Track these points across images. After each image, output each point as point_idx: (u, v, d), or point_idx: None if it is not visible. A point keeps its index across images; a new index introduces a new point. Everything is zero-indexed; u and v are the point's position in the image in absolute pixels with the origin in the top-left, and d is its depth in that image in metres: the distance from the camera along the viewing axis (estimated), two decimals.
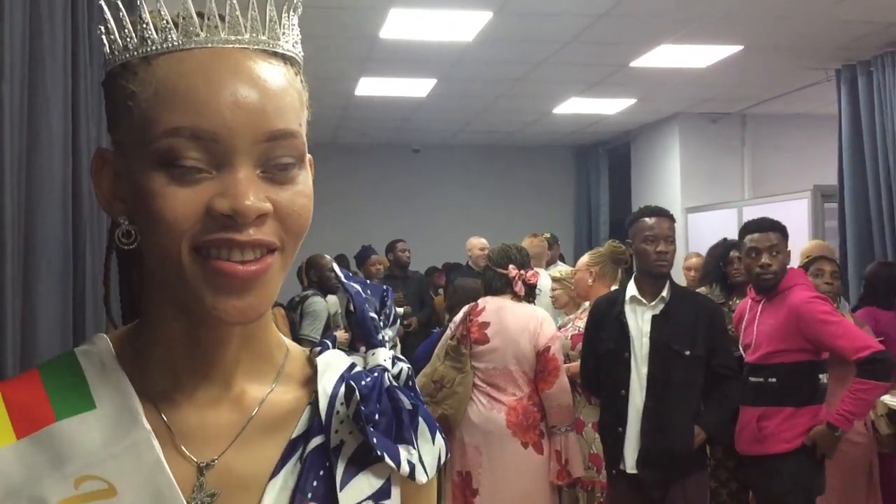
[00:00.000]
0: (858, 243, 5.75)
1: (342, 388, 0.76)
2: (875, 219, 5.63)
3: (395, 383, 0.79)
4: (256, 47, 0.70)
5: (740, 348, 3.56)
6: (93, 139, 1.62)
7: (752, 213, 5.87)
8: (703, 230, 7.51)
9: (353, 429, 0.76)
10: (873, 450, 3.89)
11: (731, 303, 4.11)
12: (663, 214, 3.30)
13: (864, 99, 5.75)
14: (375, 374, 0.77)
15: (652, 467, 3.16)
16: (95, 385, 0.72)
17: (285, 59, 0.72)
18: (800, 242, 5.90)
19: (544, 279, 4.97)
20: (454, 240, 7.88)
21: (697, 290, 4.39)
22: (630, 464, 3.20)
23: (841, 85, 6.03)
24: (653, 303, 3.25)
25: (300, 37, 0.76)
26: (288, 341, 0.81)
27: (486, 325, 3.51)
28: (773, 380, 3.34)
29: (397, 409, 0.77)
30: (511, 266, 3.58)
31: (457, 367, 3.50)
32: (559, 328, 4.02)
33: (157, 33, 0.69)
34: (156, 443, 0.70)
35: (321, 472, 0.74)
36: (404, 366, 0.81)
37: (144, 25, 0.69)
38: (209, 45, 0.68)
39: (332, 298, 5.41)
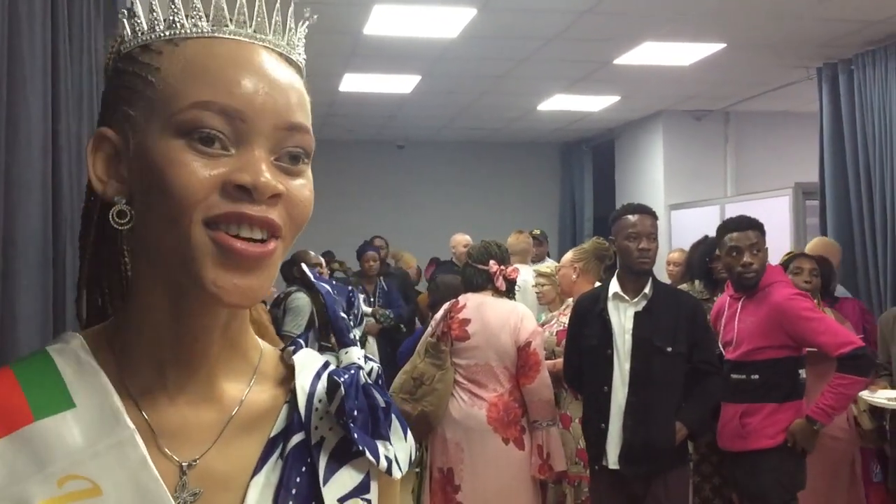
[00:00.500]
0: (839, 240, 5.78)
1: (322, 384, 0.78)
2: (856, 216, 5.68)
3: (369, 381, 0.80)
4: (277, 49, 0.74)
5: (720, 345, 3.58)
6: (73, 135, 1.62)
7: (735, 210, 5.90)
8: (686, 227, 7.55)
9: (332, 425, 0.77)
10: (855, 445, 3.93)
11: (715, 298, 4.14)
12: (646, 212, 3.31)
13: (846, 97, 5.80)
14: (352, 372, 0.79)
15: (634, 463, 3.18)
16: (73, 383, 0.72)
17: (296, 66, 0.77)
18: (781, 239, 5.95)
19: (527, 275, 4.99)
20: (439, 236, 7.89)
21: (679, 287, 4.42)
22: (612, 459, 3.22)
23: (822, 83, 6.07)
24: (635, 299, 3.26)
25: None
26: (261, 340, 0.82)
27: (466, 321, 3.52)
28: (756, 376, 3.37)
29: (373, 406, 0.79)
30: (492, 262, 3.59)
31: (437, 364, 3.51)
32: (542, 325, 4.04)
33: (187, 20, 0.72)
34: (140, 441, 0.70)
35: (303, 469, 0.75)
36: (374, 365, 0.83)
37: (175, 10, 0.73)
38: (237, 36, 0.72)
39: None
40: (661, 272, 5.50)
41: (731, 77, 6.84)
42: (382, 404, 0.79)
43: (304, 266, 0.92)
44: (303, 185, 0.73)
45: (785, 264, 3.99)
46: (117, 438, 0.70)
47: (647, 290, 3.26)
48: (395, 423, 0.81)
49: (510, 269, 3.63)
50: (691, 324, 3.25)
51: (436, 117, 8.59)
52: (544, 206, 10.25)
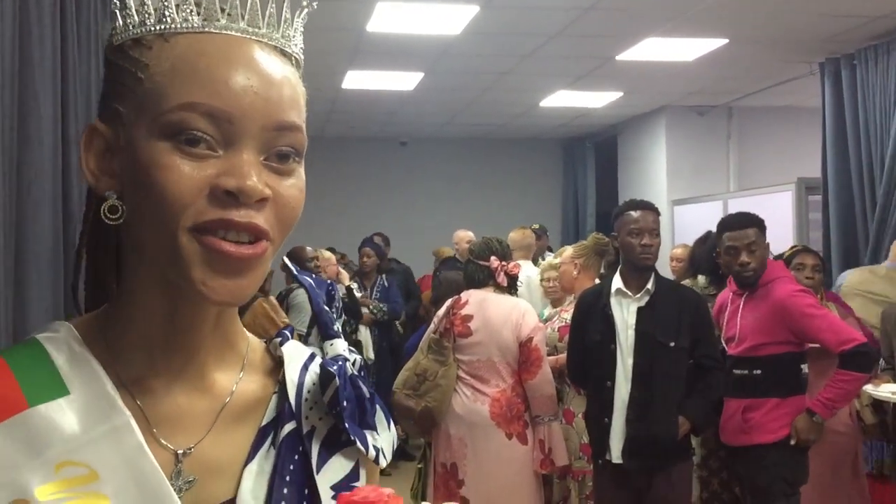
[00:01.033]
0: (842, 235, 5.80)
1: (311, 376, 0.80)
2: (858, 211, 5.69)
3: (355, 372, 0.82)
4: (271, 42, 0.73)
5: (722, 341, 3.60)
6: (82, 135, 1.63)
7: (738, 205, 5.92)
8: (688, 223, 7.55)
9: (322, 415, 0.79)
10: (858, 440, 3.94)
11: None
12: (648, 208, 3.33)
13: (848, 92, 5.80)
14: (340, 363, 0.80)
15: (637, 457, 3.20)
16: (66, 371, 0.71)
17: (292, 59, 0.75)
18: (784, 235, 5.96)
19: (529, 271, 5.01)
20: (441, 232, 7.90)
21: (682, 283, 4.44)
22: (616, 454, 3.24)
23: (825, 78, 6.08)
24: (638, 295, 3.28)
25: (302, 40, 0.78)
26: (249, 333, 0.83)
27: (469, 317, 3.53)
28: (758, 372, 3.38)
29: (360, 396, 0.80)
30: (493, 258, 3.61)
31: (439, 360, 3.53)
32: (545, 321, 4.05)
33: (177, 13, 0.71)
34: (136, 427, 0.70)
35: (296, 457, 0.77)
36: (357, 357, 0.84)
37: (166, 3, 0.71)
38: (228, 31, 0.71)
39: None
40: (664, 268, 5.51)
41: (734, 72, 6.84)
42: (367, 395, 0.81)
43: (286, 260, 0.93)
44: (292, 185, 0.72)
45: (787, 260, 4.00)
46: (113, 424, 0.70)
47: (649, 285, 3.27)
48: (380, 413, 0.83)
49: (511, 264, 3.65)
50: (694, 319, 3.26)
51: (438, 114, 8.60)
52: (547, 203, 10.26)
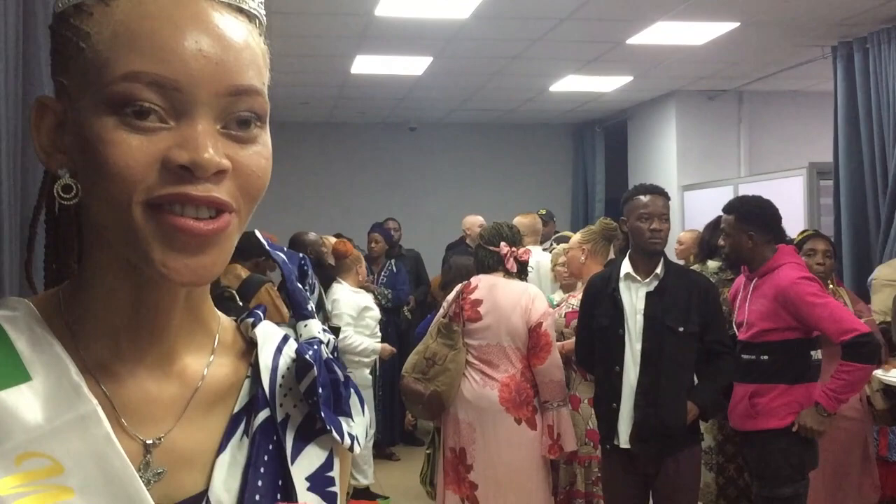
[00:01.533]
0: (853, 220, 5.77)
1: (285, 360, 0.76)
2: (870, 196, 5.65)
3: (330, 355, 0.78)
4: (223, 0, 0.67)
5: (733, 326, 3.59)
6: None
7: (748, 190, 5.88)
8: (698, 208, 7.52)
9: (297, 402, 0.75)
10: (868, 425, 3.93)
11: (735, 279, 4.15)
12: (658, 192, 3.31)
13: (860, 76, 5.74)
14: (316, 347, 0.76)
15: (645, 442, 3.20)
16: (27, 354, 0.66)
17: (250, 16, 0.70)
18: (796, 219, 5.93)
19: (537, 256, 4.99)
20: (451, 218, 7.90)
21: (691, 268, 4.42)
22: (624, 439, 3.24)
23: (837, 62, 6.02)
24: (647, 280, 3.27)
25: None
26: (219, 312, 0.78)
27: (478, 302, 3.53)
28: (765, 357, 3.37)
29: (335, 381, 0.76)
30: (503, 243, 3.60)
31: (448, 344, 3.53)
32: (554, 307, 4.05)
33: None
34: (103, 416, 0.65)
35: (270, 447, 0.73)
36: (331, 337, 0.81)
37: None
38: None
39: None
40: (672, 253, 5.50)
41: (745, 56, 6.79)
42: (342, 378, 0.77)
43: (258, 233, 0.87)
44: (256, 154, 0.67)
45: (799, 245, 3.98)
46: (78, 413, 0.65)
47: (658, 270, 3.26)
48: (354, 398, 0.79)
49: (521, 250, 3.64)
50: (703, 304, 3.25)
51: (448, 99, 8.57)
52: (556, 188, 10.24)
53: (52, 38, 0.69)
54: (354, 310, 4.99)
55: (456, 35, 6.01)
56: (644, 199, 3.26)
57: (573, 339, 3.66)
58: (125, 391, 0.69)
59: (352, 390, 0.79)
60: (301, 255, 0.84)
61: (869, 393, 3.91)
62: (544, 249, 5.53)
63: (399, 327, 6.55)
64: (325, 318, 5.14)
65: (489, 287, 3.56)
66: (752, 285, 3.48)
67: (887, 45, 5.51)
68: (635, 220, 3.25)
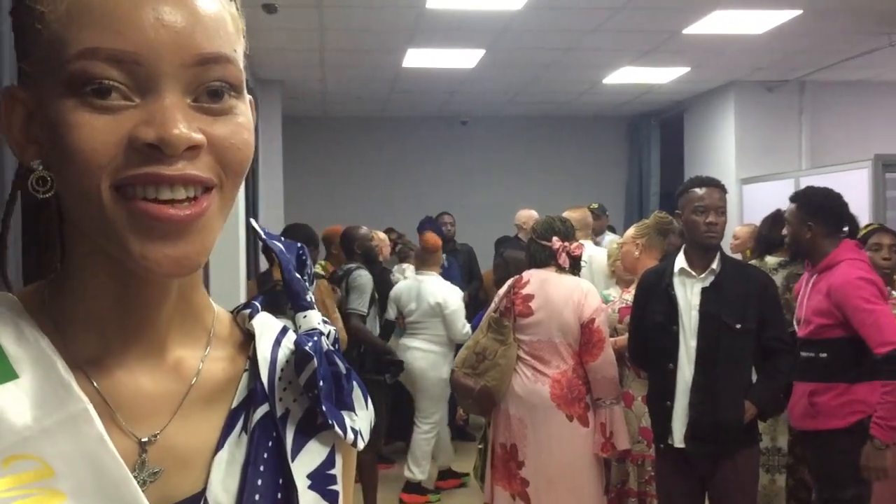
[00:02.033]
0: None
1: (284, 353, 0.73)
2: None
3: (330, 346, 0.74)
4: None
5: (794, 322, 3.49)
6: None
7: (810, 182, 5.70)
8: (758, 202, 7.33)
9: (296, 396, 0.72)
10: None
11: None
12: (714, 184, 3.22)
13: None
14: (315, 339, 0.72)
15: (700, 442, 3.12)
16: (13, 351, 0.63)
17: None
18: (860, 213, 5.73)
19: (590, 250, 4.91)
20: (503, 212, 7.85)
21: (749, 262, 4.31)
22: (678, 438, 3.17)
23: None
24: (702, 275, 3.18)
25: None
26: (213, 302, 0.75)
27: (530, 297, 3.49)
28: (824, 355, 3.27)
29: (336, 374, 0.73)
30: (555, 238, 3.55)
31: (499, 339, 3.50)
32: (608, 303, 3.98)
33: None
34: (95, 415, 0.62)
35: (270, 443, 0.70)
36: (332, 328, 0.76)
37: None
38: None
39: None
40: (728, 248, 5.37)
41: (807, 45, 6.59)
42: (344, 371, 0.73)
43: (252, 222, 0.83)
44: (235, 125, 0.63)
45: (863, 239, 3.84)
46: (68, 412, 0.62)
47: (714, 265, 3.17)
48: (357, 391, 0.76)
49: (574, 245, 3.58)
50: (761, 300, 3.16)
51: (499, 92, 8.51)
52: (610, 181, 10.10)
53: (12, 25, 0.66)
54: (462, 298, 5.14)
55: (508, 27, 5.96)
56: (699, 191, 3.17)
57: (626, 336, 3.59)
58: (118, 386, 0.66)
59: (354, 383, 0.76)
60: (300, 245, 0.80)
61: None
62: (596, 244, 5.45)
63: None
64: (380, 312, 5.16)
65: (541, 282, 3.51)
66: (811, 280, 3.38)
67: None
68: (690, 214, 3.17)
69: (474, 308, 6.28)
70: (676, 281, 3.23)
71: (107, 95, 0.59)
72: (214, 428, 0.69)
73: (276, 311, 0.78)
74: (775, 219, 4.50)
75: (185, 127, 0.59)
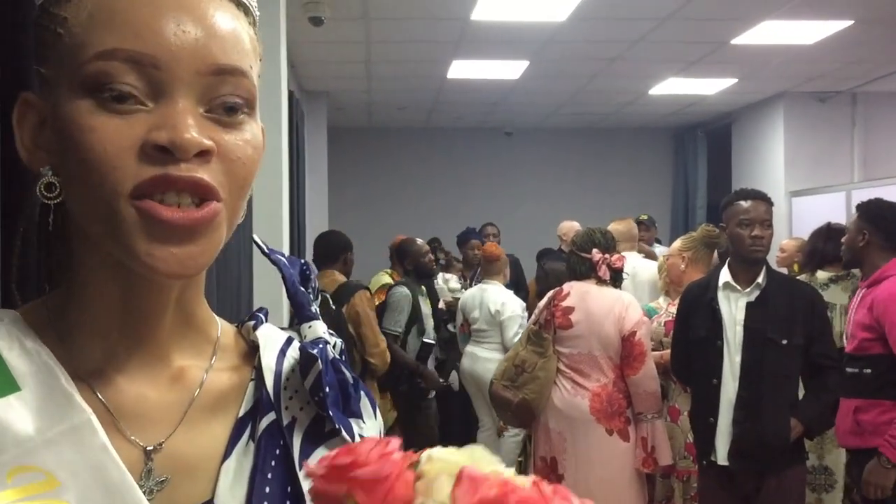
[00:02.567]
0: None
1: (289, 361, 0.73)
2: None
3: (336, 356, 0.75)
4: None
5: (843, 338, 3.41)
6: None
7: (863, 196, 5.56)
8: (808, 215, 7.19)
9: (303, 404, 0.72)
10: None
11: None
12: (760, 197, 3.16)
13: None
14: (321, 346, 0.73)
15: (744, 459, 3.06)
16: (15, 364, 0.64)
17: (238, 4, 0.67)
18: None
19: (634, 262, 4.86)
20: (547, 223, 7.81)
21: (797, 278, 4.22)
22: (721, 455, 3.11)
23: None
24: (747, 289, 3.12)
25: None
26: (217, 316, 0.76)
27: (570, 309, 3.46)
28: (868, 371, 3.19)
29: (343, 381, 0.73)
30: (595, 250, 3.52)
31: (538, 351, 3.47)
32: (651, 315, 3.93)
33: None
34: (98, 425, 0.63)
35: (277, 451, 0.70)
36: (338, 340, 0.77)
37: None
38: None
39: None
40: (775, 261, 5.26)
41: (859, 55, 6.45)
42: (351, 380, 0.74)
43: (255, 237, 0.83)
44: (243, 141, 0.64)
45: None
46: (72, 423, 0.62)
47: (760, 279, 3.11)
48: (365, 400, 0.76)
49: (615, 257, 3.54)
50: (809, 316, 3.09)
51: (544, 104, 8.49)
52: (656, 193, 10.00)
53: (35, 33, 0.67)
54: (521, 308, 5.08)
55: (552, 38, 5.94)
56: (745, 204, 3.12)
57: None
58: (121, 396, 0.66)
59: (362, 392, 0.76)
60: (303, 261, 0.81)
61: None
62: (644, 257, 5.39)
63: None
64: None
65: (581, 294, 3.48)
66: (860, 295, 3.31)
67: None
68: (735, 227, 3.12)
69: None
70: (721, 295, 3.17)
71: (124, 101, 0.60)
72: (220, 437, 0.69)
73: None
74: (829, 232, 4.40)
75: (196, 132, 0.60)
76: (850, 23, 5.58)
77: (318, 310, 0.78)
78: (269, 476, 0.69)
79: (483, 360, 5.00)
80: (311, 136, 7.36)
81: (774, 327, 3.05)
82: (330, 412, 0.71)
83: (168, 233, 0.61)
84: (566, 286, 3.57)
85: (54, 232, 0.71)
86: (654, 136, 10.14)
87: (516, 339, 4.86)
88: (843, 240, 3.56)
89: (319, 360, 0.71)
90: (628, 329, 3.38)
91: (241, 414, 0.71)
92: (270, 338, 0.75)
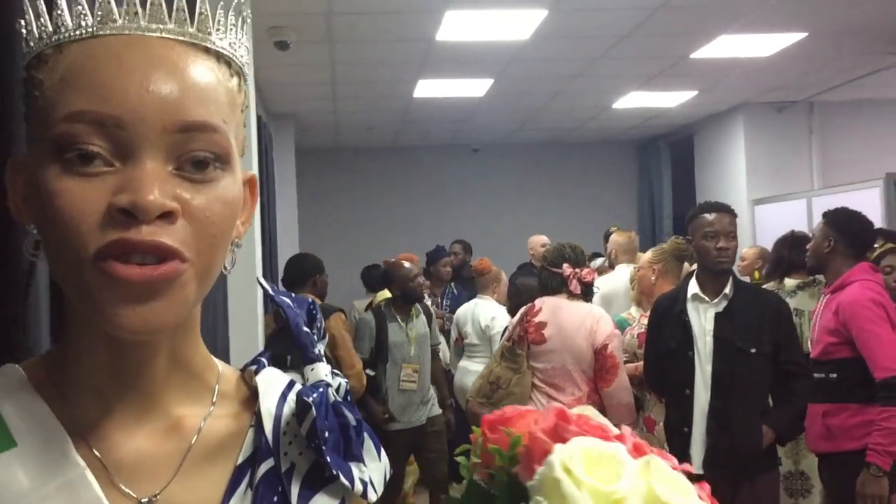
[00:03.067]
0: None
1: (290, 406, 0.72)
2: None
3: (338, 398, 0.74)
4: (182, 38, 0.64)
5: (809, 343, 3.49)
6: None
7: (823, 203, 5.71)
8: (770, 222, 7.33)
9: (302, 449, 0.72)
10: None
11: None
12: (724, 210, 3.24)
13: None
14: (321, 390, 0.72)
15: (719, 467, 3.11)
16: (13, 420, 0.65)
17: (219, 57, 0.66)
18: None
19: (625, 274, 4.85)
20: (516, 238, 7.87)
21: (764, 286, 4.31)
22: (697, 464, 3.16)
23: None
24: (715, 300, 3.19)
25: (246, 42, 0.70)
26: (218, 361, 0.76)
27: (542, 325, 3.50)
28: (834, 375, 3.27)
29: (344, 425, 0.72)
30: (565, 265, 3.57)
31: (513, 367, 3.51)
32: (622, 327, 3.98)
33: (70, 20, 0.64)
34: (92, 479, 0.64)
35: (275, 499, 0.69)
36: (342, 380, 0.76)
37: (59, 13, 0.64)
38: (126, 31, 0.63)
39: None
40: (736, 270, 5.35)
41: (815, 66, 6.62)
42: (353, 422, 0.73)
43: (260, 279, 0.84)
44: (213, 199, 0.63)
45: (876, 260, 3.83)
46: (66, 478, 0.63)
47: (727, 290, 3.18)
48: (368, 442, 0.76)
49: (585, 271, 3.60)
50: (775, 324, 3.16)
51: (509, 120, 8.58)
52: (622, 205, 10.12)
53: (24, 95, 0.68)
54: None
55: (516, 56, 6.02)
56: (709, 217, 3.19)
57: None
58: (116, 449, 0.67)
59: (366, 434, 0.76)
60: (311, 299, 0.81)
61: None
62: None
63: None
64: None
65: (553, 309, 3.53)
66: (824, 300, 3.39)
67: None
68: (701, 239, 3.19)
69: None
70: (690, 307, 3.24)
71: (90, 161, 0.60)
72: (218, 485, 0.69)
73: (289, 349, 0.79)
74: (793, 240, 4.50)
75: (159, 193, 0.59)
76: (804, 35, 5.72)
77: (321, 351, 0.78)
78: None
79: (473, 374, 4.98)
80: (280, 158, 7.36)
81: (743, 337, 3.12)
82: (328, 458, 0.70)
83: (129, 291, 0.60)
84: (538, 301, 3.61)
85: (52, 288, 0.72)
86: (618, 149, 10.27)
87: None
88: (808, 246, 3.63)
89: (314, 408, 0.70)
90: (600, 342, 3.43)
91: (240, 461, 0.70)
92: (271, 382, 0.74)
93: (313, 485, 0.71)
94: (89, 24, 0.63)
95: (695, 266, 3.60)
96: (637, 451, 0.60)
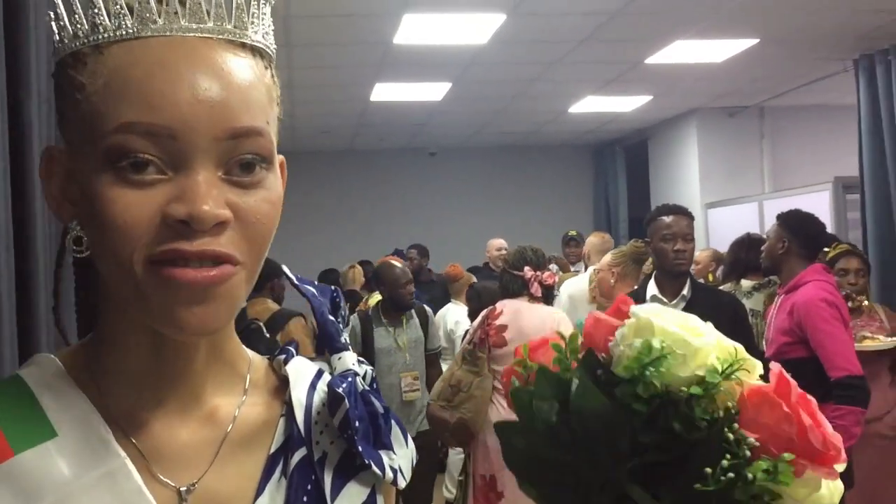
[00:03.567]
0: (880, 234, 5.69)
1: (320, 396, 0.74)
2: None
3: (366, 387, 0.76)
4: (221, 37, 0.64)
5: (763, 343, 3.54)
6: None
7: (774, 206, 5.83)
8: (723, 226, 7.46)
9: (333, 438, 0.73)
10: None
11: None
12: (681, 212, 3.28)
13: (883, 89, 5.70)
14: (350, 380, 0.74)
15: None
16: (52, 411, 0.66)
17: (254, 50, 0.66)
18: None
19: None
20: (474, 242, 7.90)
21: (722, 287, 4.38)
22: None
23: (859, 75, 5.97)
24: (674, 301, 3.23)
25: (272, 28, 0.70)
26: (249, 351, 0.77)
27: (503, 327, 3.51)
28: (788, 374, 3.31)
29: (373, 413, 0.74)
30: (526, 268, 3.58)
31: (474, 370, 3.51)
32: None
33: (109, 19, 0.63)
34: (133, 469, 0.65)
35: (309, 487, 0.71)
36: (368, 368, 0.78)
37: (96, 11, 0.63)
38: (167, 33, 0.62)
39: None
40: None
41: (766, 72, 6.76)
42: (381, 410, 0.75)
43: (284, 267, 0.85)
44: (261, 200, 0.64)
45: (832, 261, 3.91)
46: (107, 468, 0.64)
47: (685, 291, 3.23)
48: (396, 429, 0.77)
49: (546, 274, 3.62)
50: (732, 323, 3.19)
51: (467, 124, 8.60)
52: (578, 209, 10.21)
53: (54, 90, 0.68)
54: None
55: (474, 60, 6.04)
56: (667, 219, 3.23)
57: None
58: (154, 439, 0.68)
59: (393, 422, 0.77)
60: (333, 287, 0.82)
61: None
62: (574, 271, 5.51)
63: None
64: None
65: (514, 312, 3.54)
66: (779, 301, 3.45)
67: None
68: (659, 241, 3.23)
69: None
70: None
71: (142, 169, 0.61)
72: (254, 473, 0.70)
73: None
74: (750, 243, 4.57)
75: (214, 203, 0.61)
76: (755, 41, 5.84)
77: (347, 339, 0.79)
78: None
79: None
80: None
81: None
82: (360, 447, 0.72)
83: (187, 294, 0.61)
84: (499, 304, 3.62)
85: (88, 276, 0.72)
86: (574, 153, 10.37)
87: None
88: (762, 248, 3.70)
89: (346, 399, 0.71)
90: None
91: (273, 450, 0.71)
92: (301, 371, 0.75)
93: (345, 473, 0.73)
94: (129, 24, 0.63)
95: (651, 267, 3.65)
96: None
